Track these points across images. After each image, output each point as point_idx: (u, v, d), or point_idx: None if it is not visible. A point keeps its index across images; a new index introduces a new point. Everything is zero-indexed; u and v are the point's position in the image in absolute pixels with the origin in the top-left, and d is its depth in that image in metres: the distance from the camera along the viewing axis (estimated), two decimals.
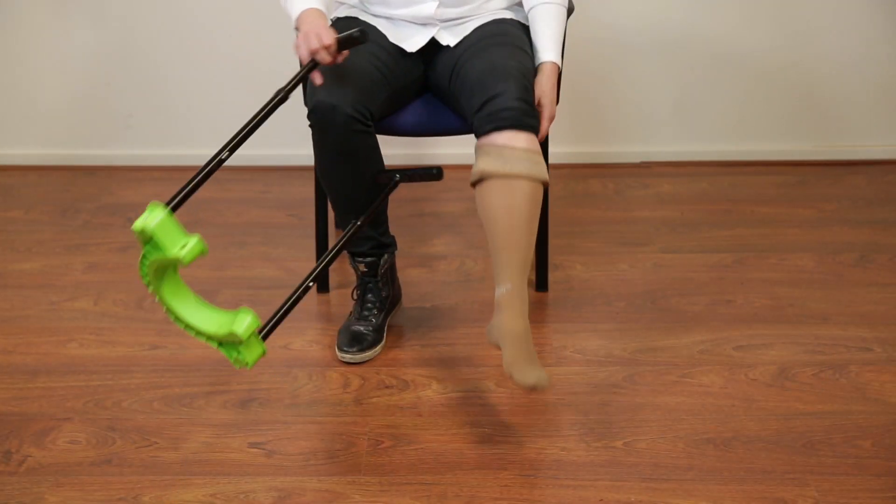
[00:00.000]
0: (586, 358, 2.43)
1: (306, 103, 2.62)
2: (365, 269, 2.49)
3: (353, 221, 2.31)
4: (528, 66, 2.33)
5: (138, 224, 1.89)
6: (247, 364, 1.99)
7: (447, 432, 2.17)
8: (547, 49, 2.37)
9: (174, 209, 1.95)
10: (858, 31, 3.40)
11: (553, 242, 2.84)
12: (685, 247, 2.96)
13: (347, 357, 2.41)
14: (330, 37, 2.20)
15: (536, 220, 2.23)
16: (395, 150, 3.09)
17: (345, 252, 2.52)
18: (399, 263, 2.71)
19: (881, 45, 3.41)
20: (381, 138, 2.40)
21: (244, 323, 1.95)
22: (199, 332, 2.01)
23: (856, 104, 3.48)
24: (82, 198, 3.32)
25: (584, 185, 3.38)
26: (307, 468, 2.08)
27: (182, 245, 1.90)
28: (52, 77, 3.47)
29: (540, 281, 2.72)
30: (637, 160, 3.53)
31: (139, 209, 3.19)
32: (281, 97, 2.20)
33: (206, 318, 2.01)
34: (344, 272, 2.82)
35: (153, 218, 1.89)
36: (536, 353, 2.12)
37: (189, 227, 3.09)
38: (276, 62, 3.39)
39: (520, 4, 2.53)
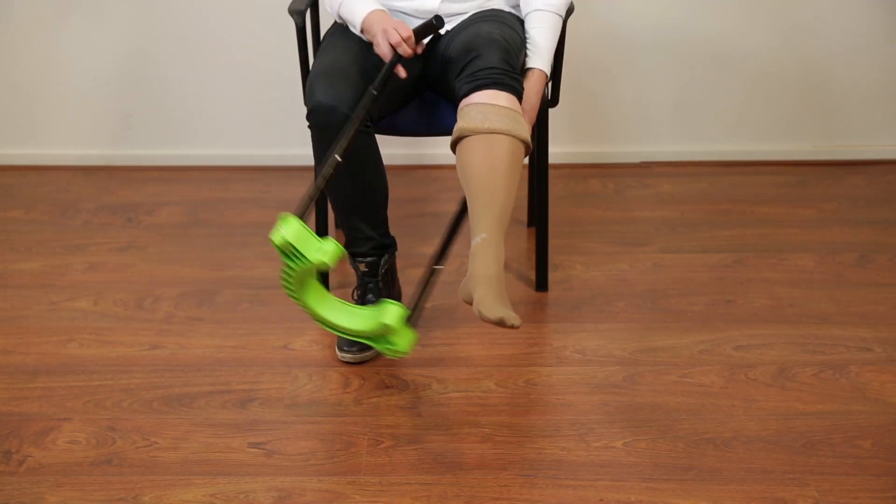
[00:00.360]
0: (586, 358, 2.43)
1: (306, 103, 2.62)
2: (365, 269, 2.49)
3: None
4: (514, 40, 2.33)
5: (278, 238, 1.94)
6: (403, 353, 2.04)
7: (447, 432, 2.17)
8: (536, 56, 2.36)
9: (302, 217, 2.01)
10: (858, 30, 3.39)
11: (553, 242, 2.84)
12: (685, 247, 2.95)
13: (348, 357, 2.41)
14: (408, 29, 2.22)
15: (517, 177, 2.19)
16: (395, 150, 3.09)
17: (345, 252, 2.52)
18: (399, 263, 2.71)
19: (881, 45, 3.41)
20: (380, 138, 2.40)
21: (394, 314, 2.00)
22: (351, 333, 2.08)
23: (855, 104, 3.48)
24: (82, 198, 3.32)
25: (584, 185, 3.38)
26: (307, 468, 2.08)
27: (318, 248, 1.95)
28: (52, 77, 3.47)
29: (540, 281, 2.72)
30: (637, 160, 3.53)
31: (139, 209, 3.22)
32: (375, 94, 2.23)
33: (353, 318, 2.07)
34: (344, 272, 2.81)
35: (290, 230, 1.95)
36: (509, 301, 2.05)
37: (189, 226, 3.12)
38: (276, 62, 3.39)
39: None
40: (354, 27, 2.37)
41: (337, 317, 2.08)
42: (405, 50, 2.23)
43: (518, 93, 2.24)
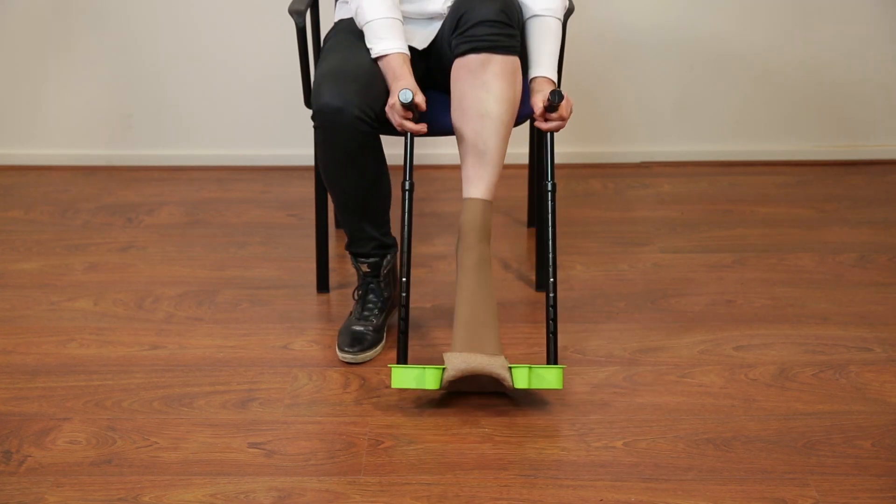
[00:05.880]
0: (586, 358, 2.43)
1: (307, 103, 2.62)
2: (367, 270, 2.49)
3: None
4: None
5: (394, 387, 2.22)
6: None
7: (447, 432, 2.17)
8: (542, 65, 2.36)
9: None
10: (859, 30, 3.40)
11: None
12: (685, 247, 2.96)
13: (348, 357, 2.41)
14: (394, 100, 2.26)
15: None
16: (396, 150, 3.09)
17: (347, 252, 2.53)
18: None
19: (882, 45, 3.41)
20: (380, 138, 2.40)
21: (552, 377, 2.19)
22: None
23: (856, 104, 3.48)
24: (82, 198, 3.32)
25: (584, 185, 3.38)
26: (307, 468, 2.08)
27: (422, 379, 2.19)
28: (52, 77, 3.47)
29: (540, 281, 2.72)
30: (637, 160, 3.53)
31: (139, 209, 3.22)
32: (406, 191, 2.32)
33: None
34: (344, 272, 2.82)
35: (395, 380, 2.19)
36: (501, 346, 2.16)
37: (189, 226, 3.12)
38: (275, 62, 3.39)
39: None
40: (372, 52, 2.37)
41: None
42: (409, 128, 2.28)
43: (514, 51, 2.25)
